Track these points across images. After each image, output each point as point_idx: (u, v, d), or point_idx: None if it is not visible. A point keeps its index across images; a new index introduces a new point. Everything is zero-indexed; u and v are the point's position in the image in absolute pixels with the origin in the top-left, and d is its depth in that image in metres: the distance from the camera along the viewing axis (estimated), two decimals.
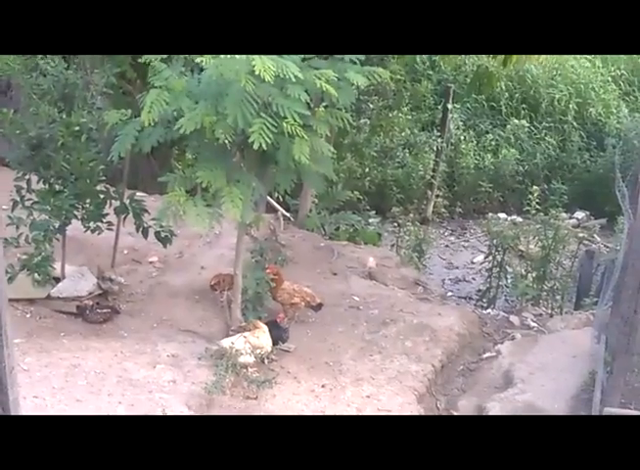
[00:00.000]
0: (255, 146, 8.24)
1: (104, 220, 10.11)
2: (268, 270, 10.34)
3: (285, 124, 8.36)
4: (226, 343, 9.22)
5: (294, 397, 9.05)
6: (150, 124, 8.50)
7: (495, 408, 9.11)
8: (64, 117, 9.78)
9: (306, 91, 8.58)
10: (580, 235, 14.64)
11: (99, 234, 10.23)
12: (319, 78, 8.55)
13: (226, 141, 8.61)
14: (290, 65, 8.22)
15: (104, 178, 10.19)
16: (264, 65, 7.96)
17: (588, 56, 20.31)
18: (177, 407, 8.11)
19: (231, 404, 8.78)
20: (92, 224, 10.07)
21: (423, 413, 9.17)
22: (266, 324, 9.70)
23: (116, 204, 10.30)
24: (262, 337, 9.36)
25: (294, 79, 8.26)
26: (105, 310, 9.99)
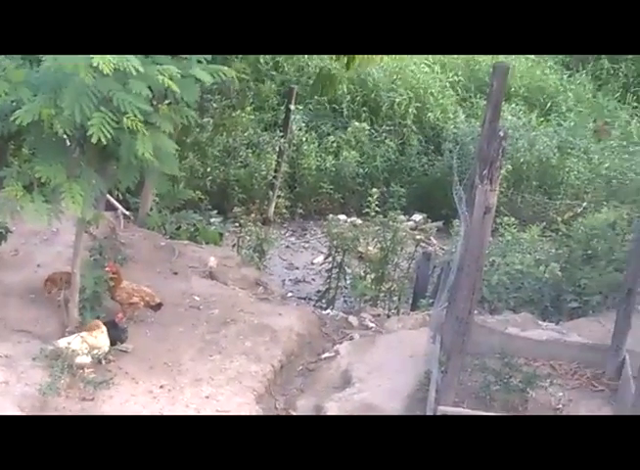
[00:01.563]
0: (94, 140, 8.09)
1: None
2: (107, 269, 10.17)
3: (126, 120, 8.23)
4: (62, 343, 9.02)
5: (131, 398, 8.93)
6: None
7: (333, 408, 9.20)
8: None
9: (149, 87, 8.47)
10: (418, 237, 14.96)
11: None
12: (162, 74, 8.45)
13: (65, 135, 8.43)
14: (131, 59, 8.09)
15: None
16: (104, 58, 7.82)
17: (428, 61, 20.75)
18: (9, 410, 7.88)
19: (66, 406, 8.60)
20: None
21: (261, 413, 9.18)
22: (104, 324, 9.53)
23: None
24: (100, 337, 9.19)
25: (135, 74, 8.13)
26: None
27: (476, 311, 9.17)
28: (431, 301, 12.24)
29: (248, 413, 8.97)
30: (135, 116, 8.26)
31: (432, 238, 15.87)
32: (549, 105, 20.75)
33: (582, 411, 9.29)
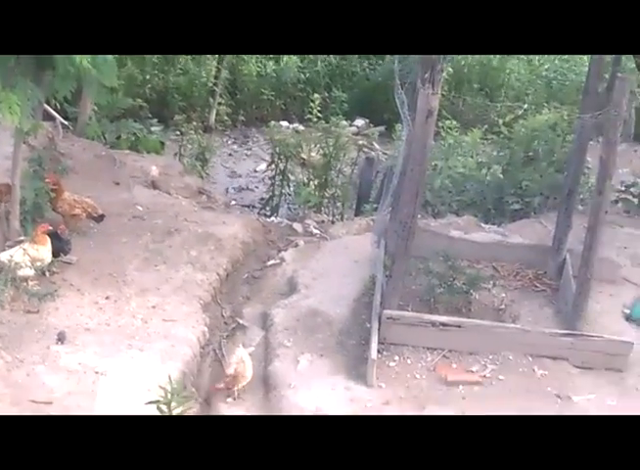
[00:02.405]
0: None
1: None
2: (48, 180, 10.03)
3: None
4: (4, 256, 8.91)
5: (77, 309, 8.89)
6: None
7: (280, 314, 9.26)
8: None
9: None
10: (360, 142, 14.94)
11: None
12: None
13: None
14: None
15: None
16: None
17: None
18: None
19: (11, 319, 8.52)
20: None
21: (208, 322, 9.21)
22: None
23: None
24: (42, 249, 9.08)
25: None
26: None
27: (419, 215, 9.22)
28: (374, 206, 12.29)
29: (196, 322, 9.00)
30: None
31: (374, 143, 15.83)
32: None
33: (525, 311, 9.45)
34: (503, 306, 9.47)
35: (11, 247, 9.22)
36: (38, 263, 9.01)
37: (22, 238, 9.21)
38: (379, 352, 8.42)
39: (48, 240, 9.19)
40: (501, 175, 12.58)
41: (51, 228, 9.35)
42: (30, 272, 8.94)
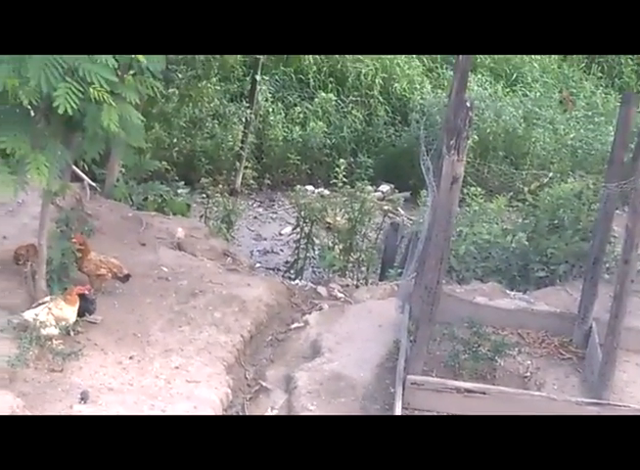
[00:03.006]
0: (61, 111, 7.98)
1: None
2: (74, 240, 10.10)
3: (92, 90, 8.14)
4: (29, 315, 8.95)
5: (100, 369, 8.90)
6: None
7: (303, 378, 9.23)
8: None
9: (115, 57, 8.38)
10: (385, 208, 14.97)
11: None
12: None
13: (29, 106, 8.33)
14: None
15: None
16: None
17: None
18: None
19: (35, 378, 8.56)
20: None
21: (231, 384, 9.19)
22: None
23: None
24: (66, 309, 9.12)
25: None
26: None
27: (444, 281, 9.21)
28: (399, 271, 12.29)
29: (219, 383, 8.97)
30: (101, 86, 8.17)
31: (399, 208, 15.88)
32: (515, 75, 20.79)
33: (550, 379, 9.38)
34: (528, 374, 9.41)
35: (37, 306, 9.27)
36: (62, 323, 9.05)
37: (47, 298, 9.24)
38: None
39: (77, 301, 9.23)
40: (526, 242, 12.54)
41: (87, 292, 9.41)
42: (55, 331, 8.97)
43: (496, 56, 20.97)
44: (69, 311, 9.15)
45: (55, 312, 9.01)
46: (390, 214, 15.31)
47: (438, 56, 20.92)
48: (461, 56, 9.49)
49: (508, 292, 11.50)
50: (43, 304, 9.13)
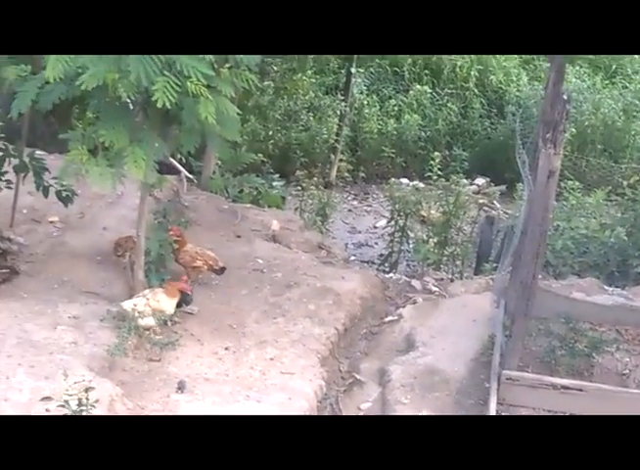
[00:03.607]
0: (159, 104, 8.07)
1: (2, 179, 9.87)
2: (171, 232, 10.23)
3: (189, 84, 8.22)
4: (128, 305, 9.11)
5: (197, 359, 9.01)
6: (53, 81, 8.24)
7: (397, 371, 9.22)
8: None
9: None
10: (481, 201, 14.85)
11: None
12: None
13: (128, 100, 8.46)
14: None
15: (2, 136, 9.93)
16: None
17: None
18: (78, 369, 7.97)
19: (134, 367, 8.71)
20: None
21: (325, 376, 9.22)
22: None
23: (16, 162, 10.07)
24: (164, 300, 9.24)
25: None
26: (3, 271, 9.77)
27: (540, 276, 9.10)
28: (494, 265, 12.19)
29: (313, 376, 9.02)
30: (198, 80, 8.25)
31: (495, 202, 15.74)
32: (614, 67, 20.38)
33: None
34: (627, 371, 9.24)
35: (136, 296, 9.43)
36: (160, 314, 9.18)
37: (147, 291, 9.38)
38: (497, 413, 8.30)
39: (178, 295, 9.37)
40: (625, 237, 12.31)
41: (189, 291, 9.57)
42: (152, 322, 9.10)
43: None
44: (168, 304, 9.27)
45: (153, 304, 9.15)
46: (486, 208, 15.18)
47: None
48: None
49: (606, 288, 11.30)
50: (143, 295, 9.29)
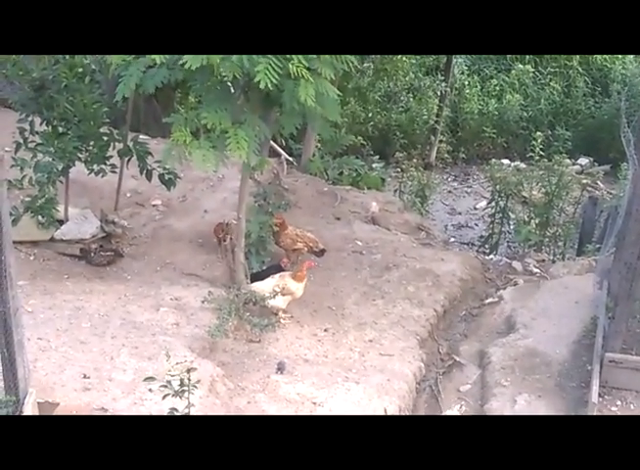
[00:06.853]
0: (262, 86, 8.10)
1: (107, 163, 10.07)
2: (276, 220, 10.30)
3: (290, 66, 8.26)
4: (257, 286, 9.23)
5: (296, 340, 9.10)
6: (157, 64, 8.35)
7: (497, 353, 9.15)
8: (67, 57, 9.66)
9: None
10: (584, 181, 14.58)
11: (102, 176, 10.20)
12: None
13: (229, 83, 8.53)
14: None
15: (107, 120, 10.12)
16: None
17: None
18: (180, 350, 8.12)
19: (234, 348, 8.83)
20: (95, 167, 10.04)
21: (424, 358, 9.21)
22: (269, 268, 9.72)
23: (120, 146, 10.26)
24: (292, 283, 9.29)
25: None
26: (108, 253, 10.00)
27: None
28: (597, 246, 11.98)
29: (412, 357, 9.02)
30: (300, 62, 8.28)
31: (598, 182, 15.47)
32: None
33: None
34: None
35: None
36: (289, 297, 9.27)
37: (277, 275, 9.47)
38: (600, 395, 8.16)
39: (305, 278, 9.44)
40: None
41: (312, 266, 9.67)
42: (281, 304, 9.22)
43: None
44: (296, 287, 9.37)
45: (284, 284, 9.26)
46: (589, 188, 14.93)
47: None
48: None
49: None
50: (272, 278, 9.40)
